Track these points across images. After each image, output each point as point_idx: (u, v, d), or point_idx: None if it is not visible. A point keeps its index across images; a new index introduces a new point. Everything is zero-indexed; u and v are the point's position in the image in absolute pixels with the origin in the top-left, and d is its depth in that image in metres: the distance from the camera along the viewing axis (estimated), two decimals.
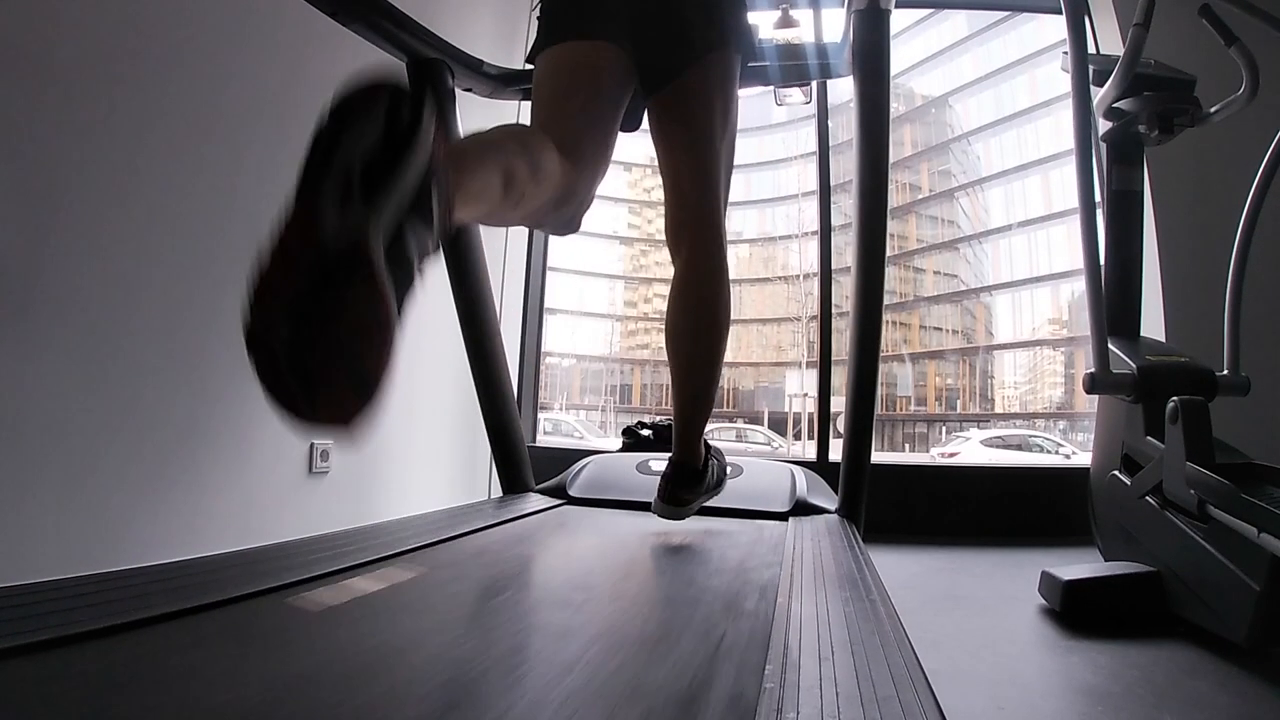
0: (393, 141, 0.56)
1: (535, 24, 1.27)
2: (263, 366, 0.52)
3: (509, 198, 0.82)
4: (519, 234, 3.01)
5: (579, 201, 1.07)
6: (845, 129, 1.83)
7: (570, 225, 1.11)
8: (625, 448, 3.09)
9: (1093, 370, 1.64)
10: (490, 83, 1.81)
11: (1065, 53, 1.67)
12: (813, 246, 3.74)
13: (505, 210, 0.85)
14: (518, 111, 2.98)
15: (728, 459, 1.58)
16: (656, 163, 1.28)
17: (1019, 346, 14.01)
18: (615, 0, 1.16)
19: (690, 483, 1.37)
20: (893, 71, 1.66)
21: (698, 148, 1.22)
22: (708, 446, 1.42)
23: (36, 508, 1.28)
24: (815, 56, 1.77)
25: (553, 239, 3.15)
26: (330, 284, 0.52)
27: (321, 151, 0.54)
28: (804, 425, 11.97)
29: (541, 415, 3.35)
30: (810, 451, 3.12)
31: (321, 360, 0.52)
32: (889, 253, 1.72)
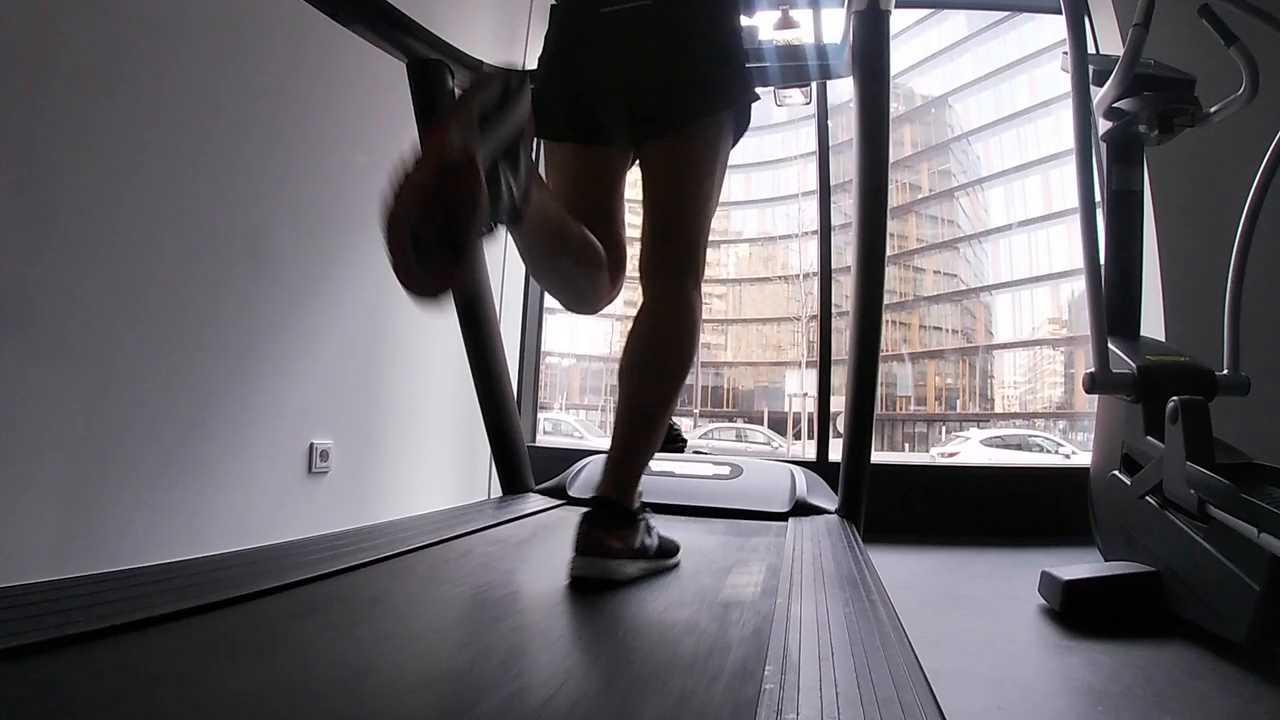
0: (505, 103, 0.83)
1: (532, 24, 1.27)
2: (392, 238, 0.73)
3: (568, 238, 1.04)
4: None
5: (617, 262, 1.17)
6: (845, 129, 1.83)
7: (615, 292, 1.20)
8: None
9: (1093, 370, 1.64)
10: None
11: (1065, 52, 1.67)
12: (813, 246, 3.74)
13: (561, 250, 1.04)
14: None
15: (727, 458, 1.58)
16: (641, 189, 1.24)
17: (1019, 346, 14.02)
18: (608, 73, 1.16)
19: (617, 525, 1.05)
20: (893, 72, 1.66)
21: (685, 201, 1.19)
22: (643, 503, 1.15)
23: (36, 508, 1.28)
24: (815, 57, 1.77)
25: None
26: (447, 179, 0.75)
27: (460, 102, 0.79)
28: (804, 425, 11.98)
29: (541, 415, 3.35)
30: (810, 451, 3.12)
31: (432, 230, 0.74)
32: (889, 252, 1.72)
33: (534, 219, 0.93)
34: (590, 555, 1.01)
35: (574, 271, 1.09)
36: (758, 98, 1.26)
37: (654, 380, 1.14)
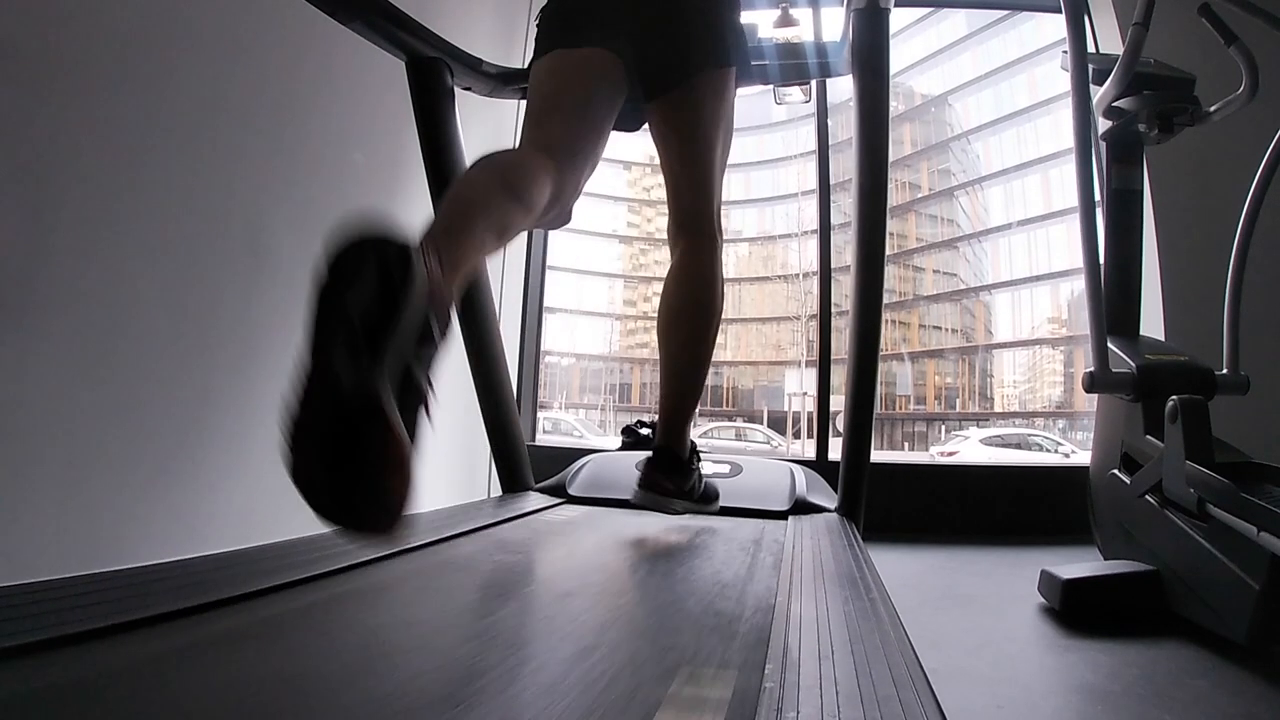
0: (388, 294, 0.62)
1: (534, 29, 1.28)
2: (307, 495, 0.63)
3: (504, 240, 0.93)
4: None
5: (567, 199, 1.10)
6: (845, 128, 1.83)
7: (560, 220, 1.14)
8: (624, 447, 3.08)
9: (1092, 369, 1.64)
10: (489, 81, 1.81)
11: (1065, 51, 1.67)
12: (812, 245, 3.74)
13: (502, 246, 0.94)
14: (517, 110, 2.99)
15: (727, 458, 1.58)
16: (658, 161, 1.32)
17: (1018, 345, 14.02)
18: (615, 13, 1.18)
19: (671, 469, 1.32)
20: (892, 70, 1.66)
21: (697, 157, 1.26)
22: (695, 449, 1.38)
23: (36, 508, 1.28)
24: (815, 55, 1.76)
25: (551, 235, 3.15)
26: (350, 428, 0.60)
27: (326, 308, 0.61)
28: (803, 424, 11.97)
29: (541, 414, 3.35)
30: (810, 450, 3.12)
31: (351, 492, 0.63)
32: (888, 251, 1.72)
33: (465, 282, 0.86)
34: (648, 490, 1.29)
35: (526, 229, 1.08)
36: (758, 40, 1.36)
37: (686, 338, 1.27)
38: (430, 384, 0.69)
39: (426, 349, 0.68)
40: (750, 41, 1.66)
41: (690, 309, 1.27)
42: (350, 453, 0.61)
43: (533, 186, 0.98)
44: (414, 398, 0.67)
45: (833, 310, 2.92)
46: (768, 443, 12.37)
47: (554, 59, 1.19)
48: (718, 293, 1.28)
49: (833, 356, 2.88)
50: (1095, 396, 1.83)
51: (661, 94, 1.21)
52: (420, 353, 0.67)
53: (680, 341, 1.28)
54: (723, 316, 1.32)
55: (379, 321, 0.62)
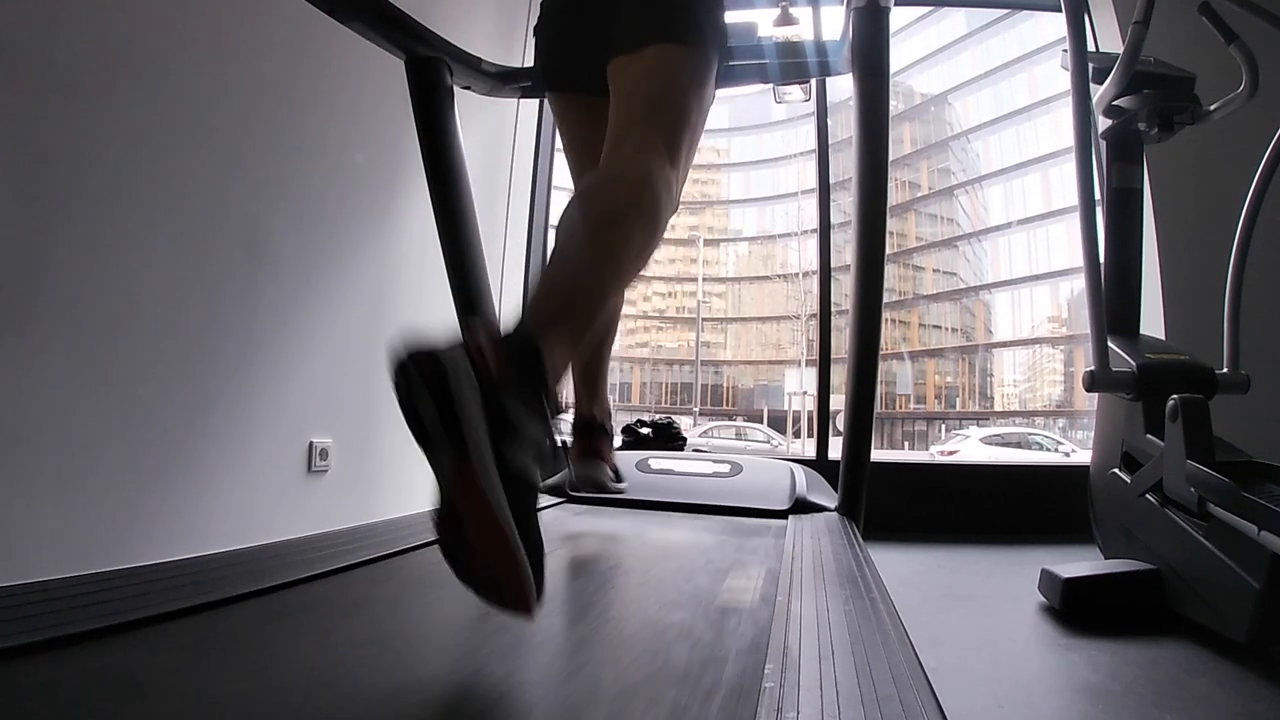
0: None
1: (534, 25, 1.28)
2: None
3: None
4: (518, 232, 3.01)
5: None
6: (845, 127, 1.82)
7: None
8: (624, 446, 3.09)
9: (1092, 368, 1.64)
10: (489, 80, 1.80)
11: (1065, 50, 1.67)
12: (812, 244, 3.74)
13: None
14: (517, 109, 2.99)
15: (727, 456, 1.57)
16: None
17: (1018, 344, 14.03)
18: (595, 43, 1.14)
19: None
20: (892, 69, 1.66)
21: (656, 85, 1.06)
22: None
23: (36, 507, 1.28)
24: (814, 54, 1.76)
25: (550, 236, 3.14)
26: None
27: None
28: (803, 423, 11.98)
29: None
30: (810, 449, 3.12)
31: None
32: (888, 251, 1.72)
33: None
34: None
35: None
36: (725, 41, 1.19)
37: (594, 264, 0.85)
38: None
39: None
40: (749, 40, 1.66)
41: (624, 212, 0.88)
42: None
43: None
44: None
45: (833, 309, 2.92)
46: (768, 442, 12.38)
47: (557, 104, 1.25)
48: (657, 227, 0.91)
49: (833, 355, 2.88)
50: (1095, 395, 1.83)
51: (615, 55, 1.10)
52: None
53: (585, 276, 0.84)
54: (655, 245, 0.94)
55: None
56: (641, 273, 0.92)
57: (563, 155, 1.34)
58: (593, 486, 1.26)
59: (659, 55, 1.08)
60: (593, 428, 1.28)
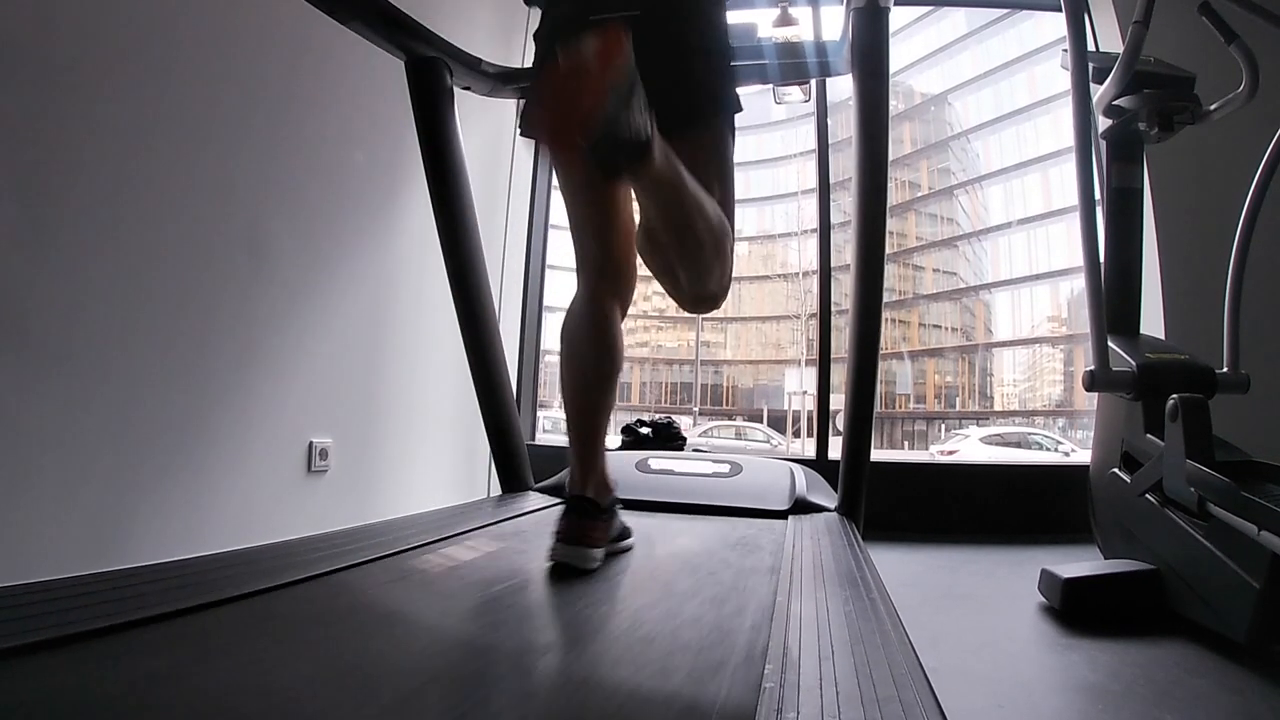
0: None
1: (530, 19, 1.27)
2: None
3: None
4: (518, 231, 3.01)
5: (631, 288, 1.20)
6: (845, 127, 1.82)
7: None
8: (624, 446, 3.09)
9: (1092, 368, 1.64)
10: (489, 81, 1.81)
11: (1065, 50, 1.67)
12: (812, 244, 3.74)
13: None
14: (516, 109, 2.98)
15: (727, 456, 1.57)
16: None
17: (1018, 344, 14.02)
18: None
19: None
20: (892, 69, 1.66)
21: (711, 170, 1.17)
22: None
23: (36, 508, 1.28)
24: (814, 54, 1.77)
25: (551, 235, 3.14)
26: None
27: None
28: (803, 423, 11.97)
29: (541, 414, 3.34)
30: (810, 449, 3.12)
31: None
32: (888, 250, 1.72)
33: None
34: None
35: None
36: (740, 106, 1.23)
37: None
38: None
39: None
40: (749, 40, 1.66)
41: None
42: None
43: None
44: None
45: (833, 309, 2.92)
46: (768, 442, 12.36)
47: (565, 178, 1.23)
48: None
49: (833, 355, 2.88)
50: (1095, 395, 1.82)
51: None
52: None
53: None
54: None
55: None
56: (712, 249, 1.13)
57: None
58: (565, 568, 1.11)
59: (698, 143, 1.14)
60: (585, 506, 1.15)
